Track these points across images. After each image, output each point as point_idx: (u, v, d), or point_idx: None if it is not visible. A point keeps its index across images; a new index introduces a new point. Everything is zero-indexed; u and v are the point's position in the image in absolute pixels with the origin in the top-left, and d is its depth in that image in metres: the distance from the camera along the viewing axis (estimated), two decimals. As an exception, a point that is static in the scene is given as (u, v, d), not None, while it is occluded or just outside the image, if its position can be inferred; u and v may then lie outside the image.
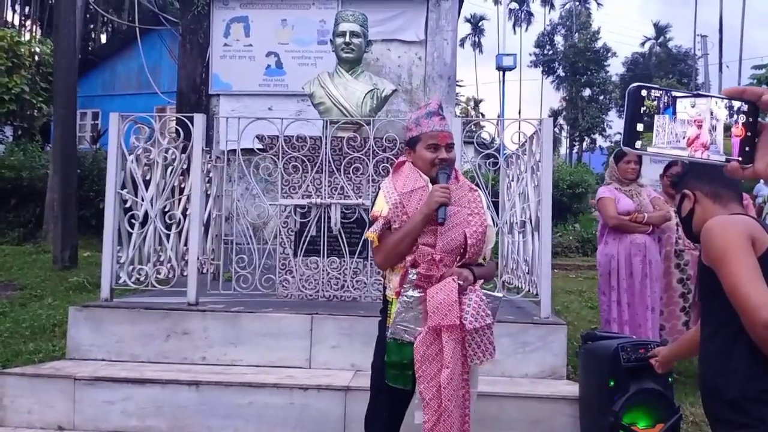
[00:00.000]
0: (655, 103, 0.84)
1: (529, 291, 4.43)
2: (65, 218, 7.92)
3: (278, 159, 4.52)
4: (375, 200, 2.46)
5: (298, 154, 4.54)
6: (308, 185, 4.59)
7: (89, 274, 7.16)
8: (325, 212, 4.49)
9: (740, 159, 0.83)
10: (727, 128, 0.84)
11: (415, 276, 2.32)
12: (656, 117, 0.84)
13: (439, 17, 7.60)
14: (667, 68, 41.35)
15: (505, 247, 5.28)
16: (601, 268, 4.56)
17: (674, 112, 0.84)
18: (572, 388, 3.63)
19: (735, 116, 0.84)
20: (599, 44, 41.64)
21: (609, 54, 41.92)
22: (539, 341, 3.91)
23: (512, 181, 5.21)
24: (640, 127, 0.83)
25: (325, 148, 4.47)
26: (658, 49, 44.98)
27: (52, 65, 12.18)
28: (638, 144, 0.83)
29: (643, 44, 45.87)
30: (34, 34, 19.77)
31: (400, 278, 2.36)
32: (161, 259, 4.86)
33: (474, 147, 6.19)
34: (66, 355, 4.23)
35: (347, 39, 5.16)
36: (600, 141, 42.63)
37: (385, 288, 2.48)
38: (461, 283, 2.32)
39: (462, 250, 2.40)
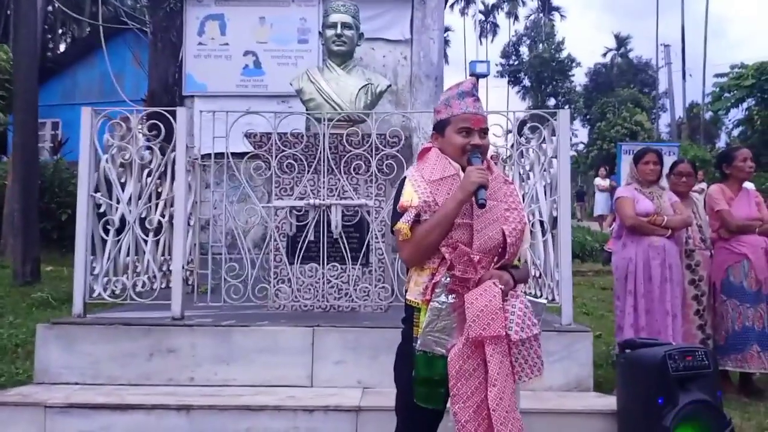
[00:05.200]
0: None
1: (540, 295, 4.14)
2: (26, 230, 7.38)
3: (271, 157, 4.14)
4: (399, 191, 2.14)
5: (293, 152, 4.17)
6: (304, 185, 4.22)
7: (53, 289, 6.66)
8: (324, 214, 4.12)
9: None
10: None
11: (449, 279, 2.01)
12: None
13: (424, 15, 7.32)
14: (628, 78, 42.09)
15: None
16: (618, 271, 4.31)
17: None
18: (604, 401, 3.34)
19: None
20: (563, 54, 42.23)
21: (573, 64, 42.53)
22: (563, 350, 3.61)
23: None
24: None
25: (323, 145, 4.11)
26: (619, 60, 45.83)
27: (8, 71, 11.55)
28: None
29: (604, 55, 46.72)
30: (-14, 41, 18.93)
31: (431, 281, 2.04)
32: (138, 269, 4.42)
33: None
34: (33, 378, 3.79)
35: (338, 30, 4.83)
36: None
37: (406, 291, 2.14)
38: (502, 287, 2.02)
39: (500, 250, 2.09)
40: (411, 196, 2.07)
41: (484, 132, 2.16)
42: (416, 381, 2.03)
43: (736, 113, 20.91)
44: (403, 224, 2.03)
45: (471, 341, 1.97)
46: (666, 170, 4.78)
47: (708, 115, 27.33)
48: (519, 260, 2.21)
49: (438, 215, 2.03)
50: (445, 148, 2.15)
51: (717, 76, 20.91)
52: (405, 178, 2.16)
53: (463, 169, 2.11)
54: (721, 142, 30.07)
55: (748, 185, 4.73)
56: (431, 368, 2.00)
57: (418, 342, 2.01)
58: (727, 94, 19.69)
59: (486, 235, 2.06)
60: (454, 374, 1.97)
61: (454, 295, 2.01)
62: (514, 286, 2.09)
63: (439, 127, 2.18)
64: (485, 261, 2.06)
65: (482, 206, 2.02)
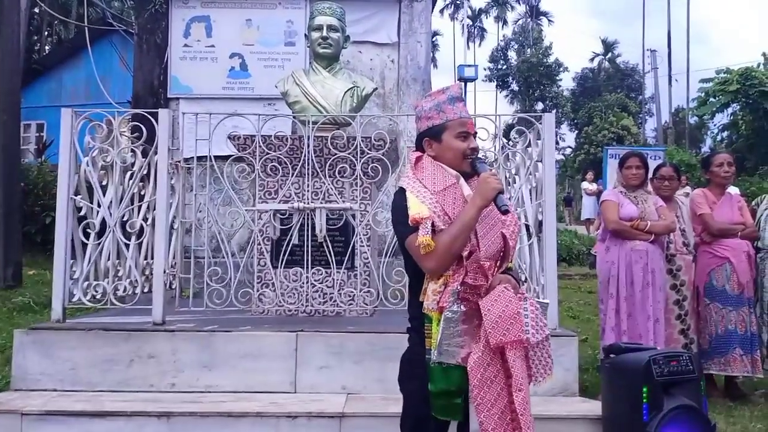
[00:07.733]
0: None
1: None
2: (8, 233, 7.30)
3: (255, 160, 4.09)
4: (401, 203, 2.08)
5: (277, 155, 4.13)
6: (288, 188, 4.18)
7: (35, 293, 6.57)
8: (308, 218, 4.08)
9: None
10: None
11: (460, 287, 1.98)
12: None
13: (411, 19, 7.32)
14: (615, 83, 42.38)
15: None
16: (602, 275, 4.31)
17: None
18: (590, 406, 3.33)
19: None
20: (551, 59, 42.44)
21: (561, 69, 42.74)
22: (548, 355, 3.58)
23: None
24: None
25: (308, 147, 4.08)
26: (606, 65, 46.12)
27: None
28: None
29: (592, 60, 47.00)
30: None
31: (446, 289, 2.00)
32: (120, 273, 4.36)
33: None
34: (10, 385, 3.71)
35: (324, 33, 4.79)
36: (553, 154, 43.28)
37: (420, 303, 2.07)
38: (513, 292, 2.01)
39: (501, 254, 2.08)
40: (419, 207, 2.02)
41: (474, 136, 2.18)
42: (434, 394, 1.99)
43: (722, 118, 21.13)
44: (425, 237, 1.97)
45: (491, 348, 1.94)
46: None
47: (693, 119, 27.56)
48: (510, 263, 2.20)
49: (460, 223, 1.99)
50: (443, 154, 2.12)
51: (702, 81, 21.09)
52: (402, 189, 2.10)
53: (464, 176, 2.10)
54: (707, 147, 30.38)
55: (733, 189, 4.74)
56: (448, 379, 1.97)
57: (434, 354, 1.97)
58: (712, 99, 19.86)
59: (489, 240, 2.05)
60: (476, 383, 1.94)
61: (465, 303, 1.98)
62: (518, 290, 2.08)
63: (434, 133, 2.13)
64: (493, 267, 2.05)
65: (506, 212, 2.03)
